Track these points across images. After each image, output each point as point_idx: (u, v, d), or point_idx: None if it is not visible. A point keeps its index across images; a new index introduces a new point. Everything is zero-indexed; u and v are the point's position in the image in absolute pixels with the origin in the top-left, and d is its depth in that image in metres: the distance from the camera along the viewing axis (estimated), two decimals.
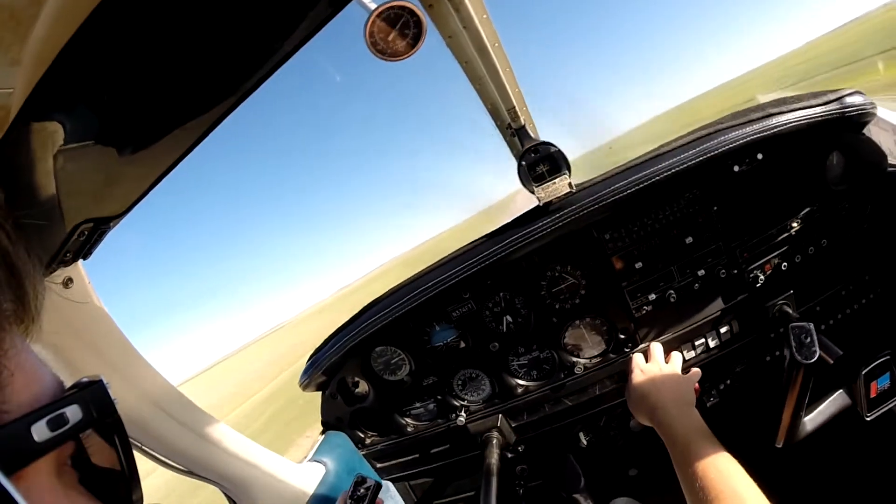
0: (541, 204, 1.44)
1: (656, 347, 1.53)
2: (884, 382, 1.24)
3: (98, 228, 0.85)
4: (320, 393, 1.85)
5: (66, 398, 0.36)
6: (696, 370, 1.47)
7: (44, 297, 0.40)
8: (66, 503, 0.37)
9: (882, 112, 1.48)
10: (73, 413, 0.35)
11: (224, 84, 0.72)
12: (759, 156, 1.42)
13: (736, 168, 1.42)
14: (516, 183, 1.47)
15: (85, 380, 0.39)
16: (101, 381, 0.39)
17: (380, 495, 1.36)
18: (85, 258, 0.91)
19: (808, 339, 1.21)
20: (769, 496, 0.95)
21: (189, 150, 0.82)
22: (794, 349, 1.20)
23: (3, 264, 0.36)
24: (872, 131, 1.50)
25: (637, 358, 1.52)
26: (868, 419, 1.23)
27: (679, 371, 1.44)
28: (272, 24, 0.64)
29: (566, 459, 1.71)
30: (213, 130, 0.80)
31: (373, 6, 0.89)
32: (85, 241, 0.85)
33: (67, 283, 0.93)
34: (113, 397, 0.39)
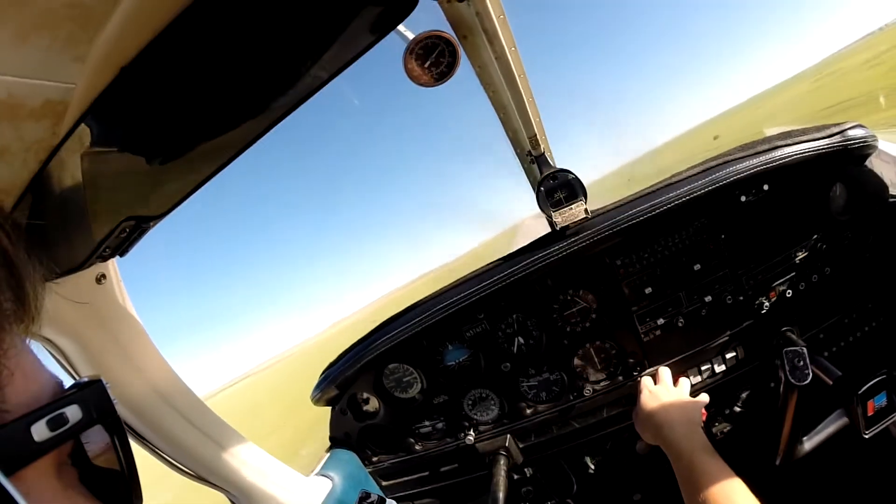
0: (557, 228, 1.42)
1: (665, 372, 1.48)
2: (880, 400, 1.22)
3: (139, 227, 0.83)
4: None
5: (66, 398, 0.35)
6: (704, 395, 1.42)
7: (44, 297, 0.39)
8: (66, 503, 0.36)
9: (883, 145, 1.47)
10: (72, 413, 0.34)
11: (268, 103, 0.73)
12: (766, 186, 1.40)
13: (743, 198, 1.40)
14: (527, 209, 1.47)
15: (85, 380, 0.37)
16: (100, 381, 0.37)
17: None
18: (122, 255, 0.89)
19: (801, 363, 1.21)
20: None
21: (230, 161, 0.83)
22: (787, 372, 1.20)
23: (3, 264, 0.35)
24: (874, 163, 1.48)
25: (646, 380, 1.47)
26: (866, 437, 1.20)
27: (687, 395, 1.40)
28: (318, 51, 0.66)
29: (558, 465, 1.64)
30: (252, 145, 0.81)
31: (410, 36, 0.91)
32: (125, 239, 0.83)
33: (100, 278, 0.91)
34: (113, 398, 0.38)
